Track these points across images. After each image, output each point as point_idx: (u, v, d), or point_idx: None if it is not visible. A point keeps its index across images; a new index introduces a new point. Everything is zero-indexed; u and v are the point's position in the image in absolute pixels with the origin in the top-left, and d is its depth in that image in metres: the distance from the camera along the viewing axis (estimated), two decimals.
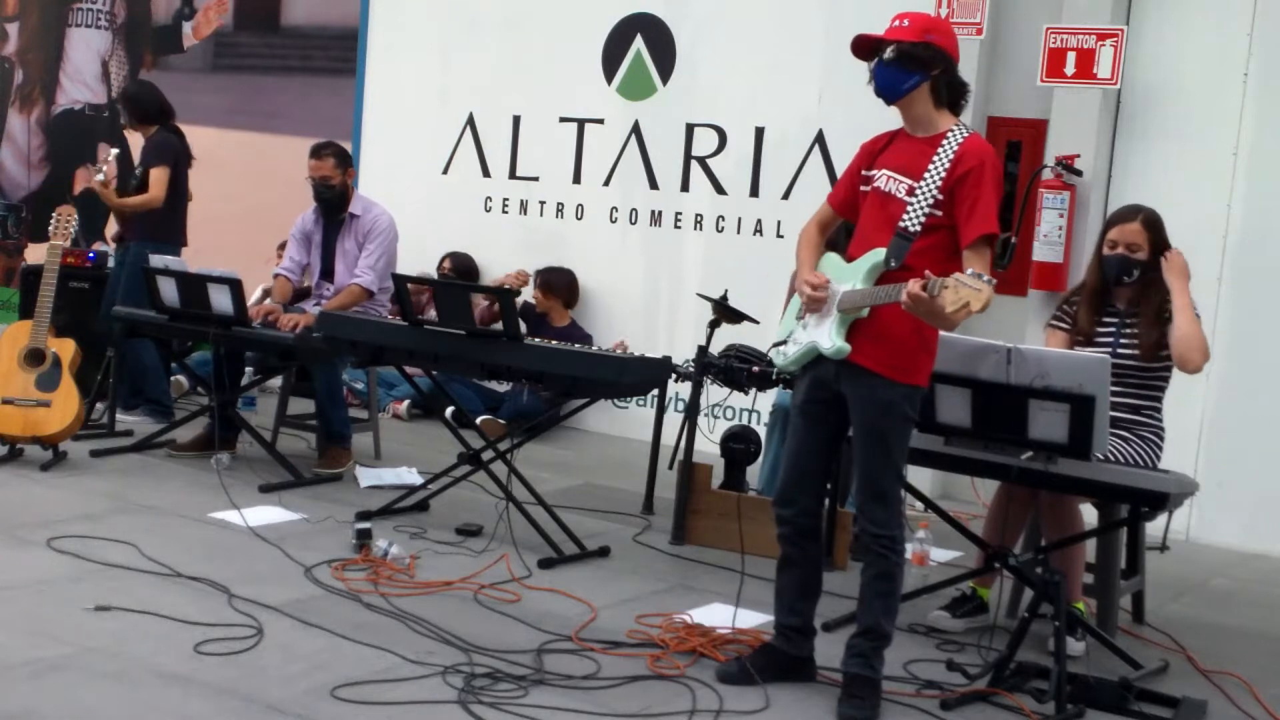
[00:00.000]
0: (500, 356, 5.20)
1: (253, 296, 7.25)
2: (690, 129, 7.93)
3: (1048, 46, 6.62)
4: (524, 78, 8.46)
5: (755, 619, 4.44)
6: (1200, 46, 6.55)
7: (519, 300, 7.60)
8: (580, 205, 8.31)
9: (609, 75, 8.17)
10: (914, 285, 3.45)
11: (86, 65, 10.56)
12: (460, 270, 8.30)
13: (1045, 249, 6.58)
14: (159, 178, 6.93)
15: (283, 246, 8.36)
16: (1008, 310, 6.49)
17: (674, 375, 5.59)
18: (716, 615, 4.48)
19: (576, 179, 8.32)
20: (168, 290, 6.12)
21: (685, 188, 7.96)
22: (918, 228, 3.67)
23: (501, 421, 7.47)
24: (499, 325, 5.49)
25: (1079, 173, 6.54)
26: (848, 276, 3.76)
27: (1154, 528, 4.99)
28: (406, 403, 8.06)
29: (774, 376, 5.57)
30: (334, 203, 6.41)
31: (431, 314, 6.25)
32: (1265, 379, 6.34)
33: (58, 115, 10.72)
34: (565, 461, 7.14)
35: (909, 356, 3.71)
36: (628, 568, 5.14)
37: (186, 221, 7.20)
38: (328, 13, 9.37)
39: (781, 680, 3.91)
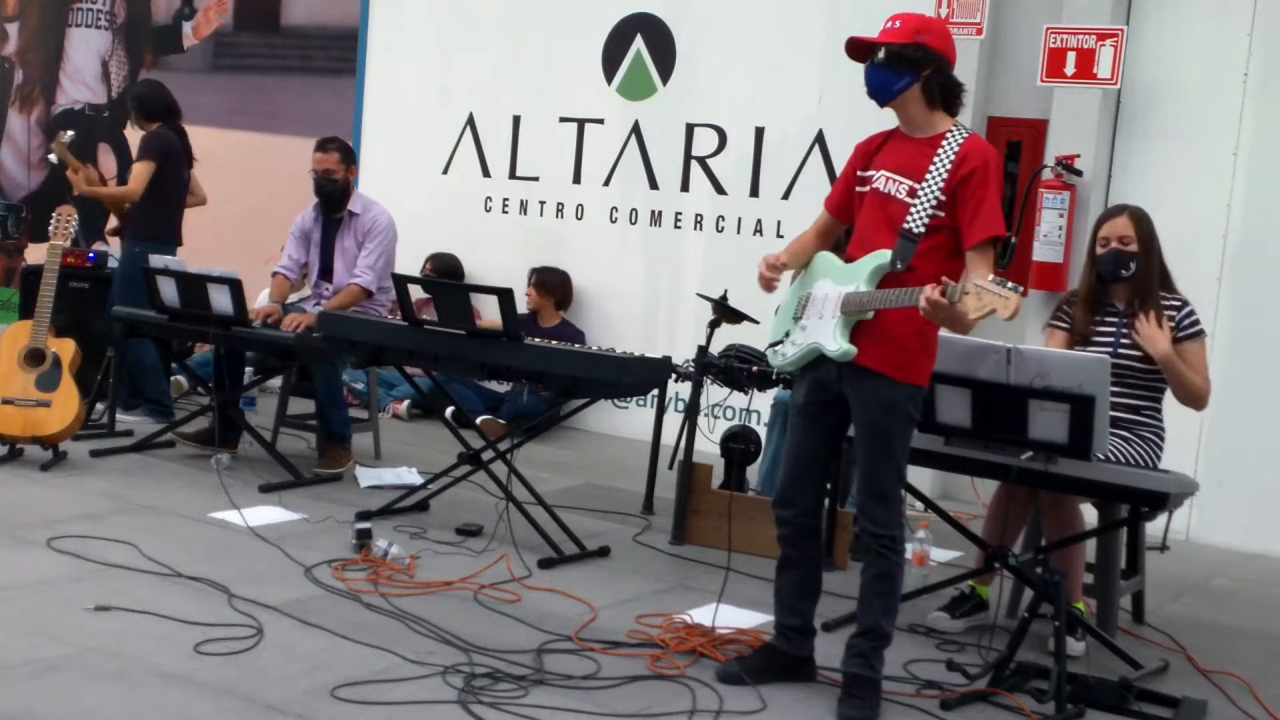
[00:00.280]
0: (500, 356, 5.20)
1: (259, 299, 7.25)
2: (690, 129, 7.93)
3: (1048, 46, 6.62)
4: (524, 78, 8.46)
5: (755, 619, 4.44)
6: (1200, 46, 6.55)
7: None
8: (580, 205, 8.31)
9: (609, 75, 8.18)
10: (933, 291, 3.44)
11: (86, 65, 10.56)
12: (443, 272, 8.27)
13: (1045, 249, 6.58)
14: (139, 172, 6.93)
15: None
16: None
17: (674, 375, 5.59)
18: (717, 616, 4.47)
19: (576, 179, 8.32)
20: (168, 290, 6.12)
21: (685, 188, 7.96)
22: (922, 229, 3.67)
23: (501, 421, 7.47)
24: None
25: (1079, 173, 6.55)
26: (849, 278, 3.75)
27: (1154, 528, 4.99)
28: (406, 403, 8.06)
29: (774, 376, 5.57)
30: (334, 197, 6.41)
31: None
32: (1265, 379, 6.34)
33: (58, 115, 10.72)
34: (565, 461, 7.14)
35: (911, 357, 3.71)
36: (628, 568, 5.14)
37: (180, 220, 7.19)
38: (328, 13, 9.38)
39: (781, 680, 3.91)
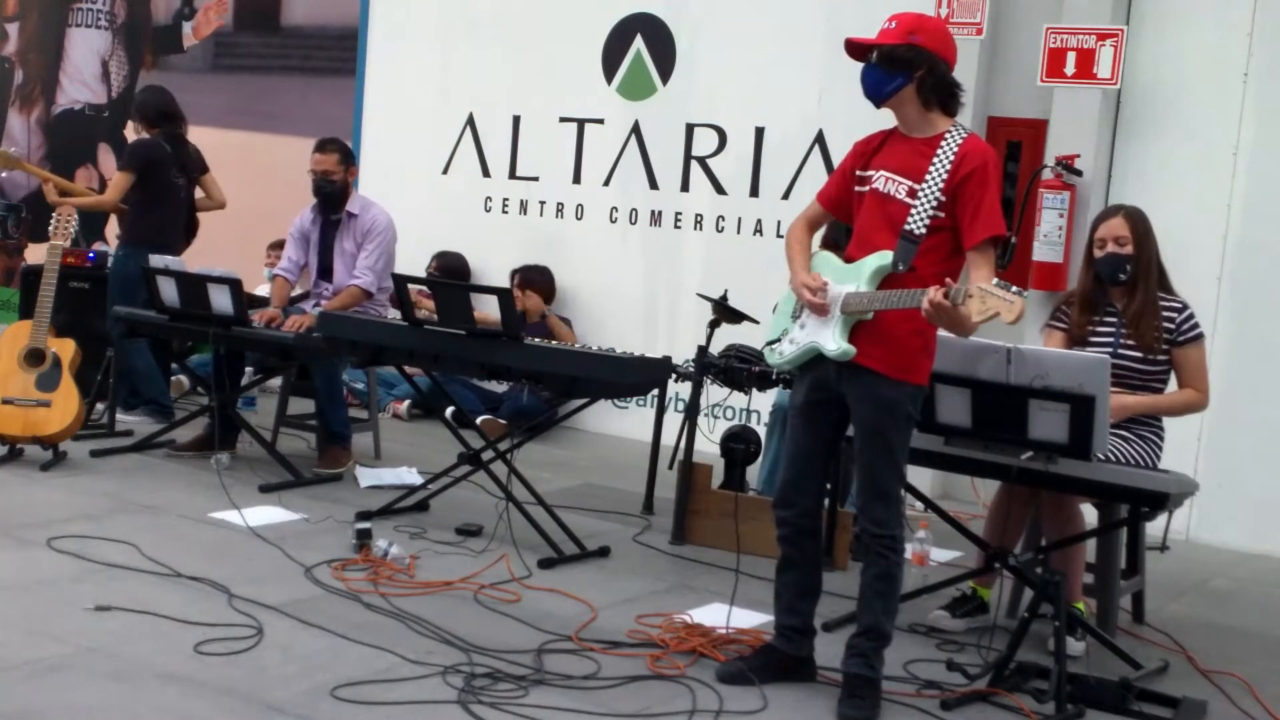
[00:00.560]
0: (500, 356, 5.20)
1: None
2: (690, 129, 7.93)
3: (1048, 46, 6.62)
4: (524, 78, 8.46)
5: (755, 619, 4.44)
6: (1200, 46, 6.55)
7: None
8: (580, 205, 8.31)
9: (609, 75, 8.18)
10: (936, 294, 3.44)
11: (86, 65, 10.56)
12: (448, 271, 8.28)
13: (1045, 249, 6.58)
14: (116, 181, 6.98)
15: (274, 247, 8.39)
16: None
17: (674, 375, 5.59)
18: (716, 615, 4.47)
19: (576, 179, 8.32)
20: (167, 290, 6.12)
21: (685, 188, 7.96)
22: (923, 230, 3.67)
23: (502, 421, 7.47)
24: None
25: (1079, 173, 6.54)
26: (849, 278, 3.75)
27: (1154, 528, 4.99)
28: (406, 403, 8.06)
29: (774, 376, 5.57)
30: (333, 199, 6.41)
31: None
32: (1265, 379, 6.34)
33: (58, 115, 10.72)
34: (565, 461, 7.14)
35: (910, 357, 3.71)
36: (628, 568, 5.14)
37: (176, 225, 7.15)
38: (328, 13, 9.37)
39: (781, 680, 3.91)
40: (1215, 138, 6.49)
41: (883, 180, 3.77)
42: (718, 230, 7.85)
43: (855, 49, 3.78)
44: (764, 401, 6.74)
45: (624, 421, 7.95)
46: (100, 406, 6.89)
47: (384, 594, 4.46)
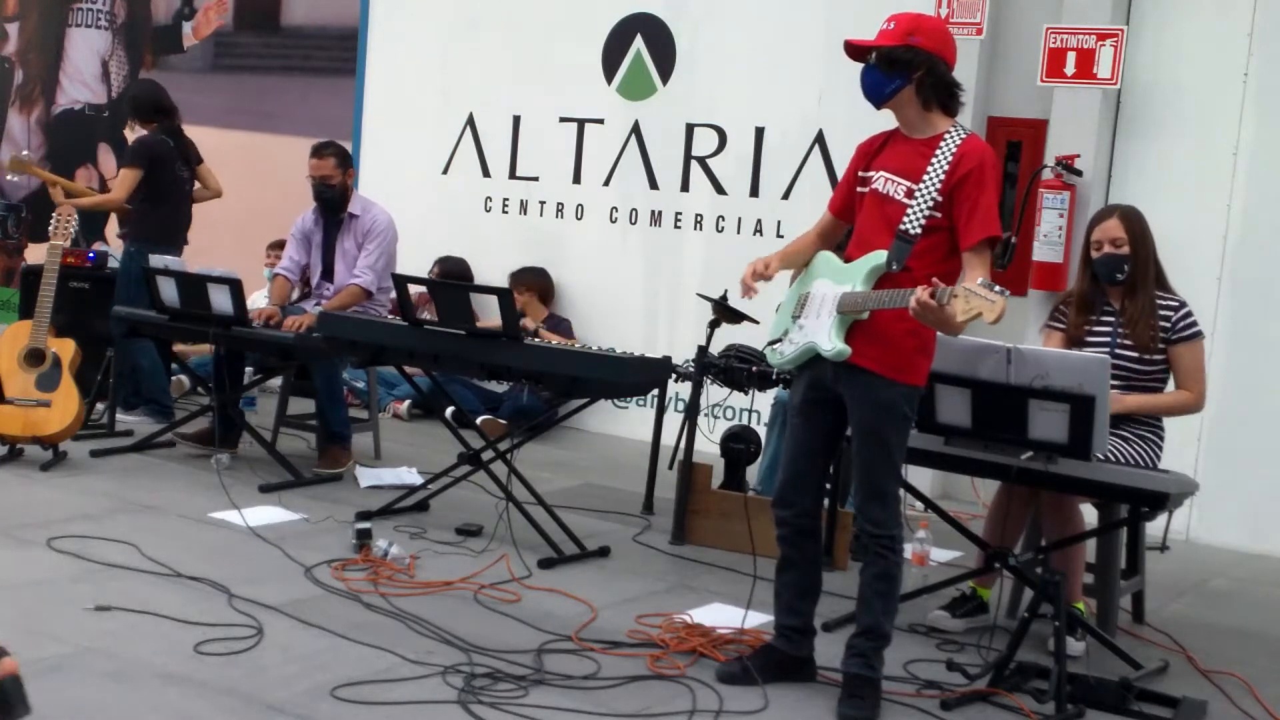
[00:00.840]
0: (500, 356, 5.21)
1: (253, 299, 7.26)
2: (690, 129, 7.93)
3: (1048, 46, 6.62)
4: (524, 78, 8.46)
5: (755, 619, 4.43)
6: (1200, 46, 6.54)
7: None
8: (580, 205, 8.31)
9: (609, 75, 8.17)
10: (923, 293, 3.44)
11: (86, 65, 10.56)
12: (451, 276, 8.26)
13: (1045, 249, 6.58)
14: (123, 179, 6.97)
15: (274, 247, 8.38)
16: (1007, 310, 6.47)
17: (674, 375, 5.59)
18: (717, 615, 4.48)
19: (576, 179, 8.32)
20: (168, 290, 6.12)
21: (685, 188, 7.96)
22: (918, 230, 3.67)
23: (502, 421, 7.47)
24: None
25: (1079, 173, 6.54)
26: (847, 277, 3.76)
27: (1154, 528, 4.99)
28: (406, 403, 8.06)
29: (774, 376, 5.57)
30: (334, 203, 6.42)
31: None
32: (1265, 378, 6.34)
33: (58, 115, 10.72)
34: (565, 461, 7.14)
35: (906, 357, 3.71)
36: (628, 568, 5.14)
37: (182, 221, 7.19)
38: (328, 13, 9.37)
39: (781, 680, 3.91)
40: (1215, 138, 6.49)
41: (882, 181, 3.77)
42: (718, 230, 7.85)
43: (855, 51, 3.78)
44: (764, 401, 6.74)
45: (624, 421, 7.95)
46: (100, 406, 6.89)
47: (384, 594, 4.46)
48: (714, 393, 6.20)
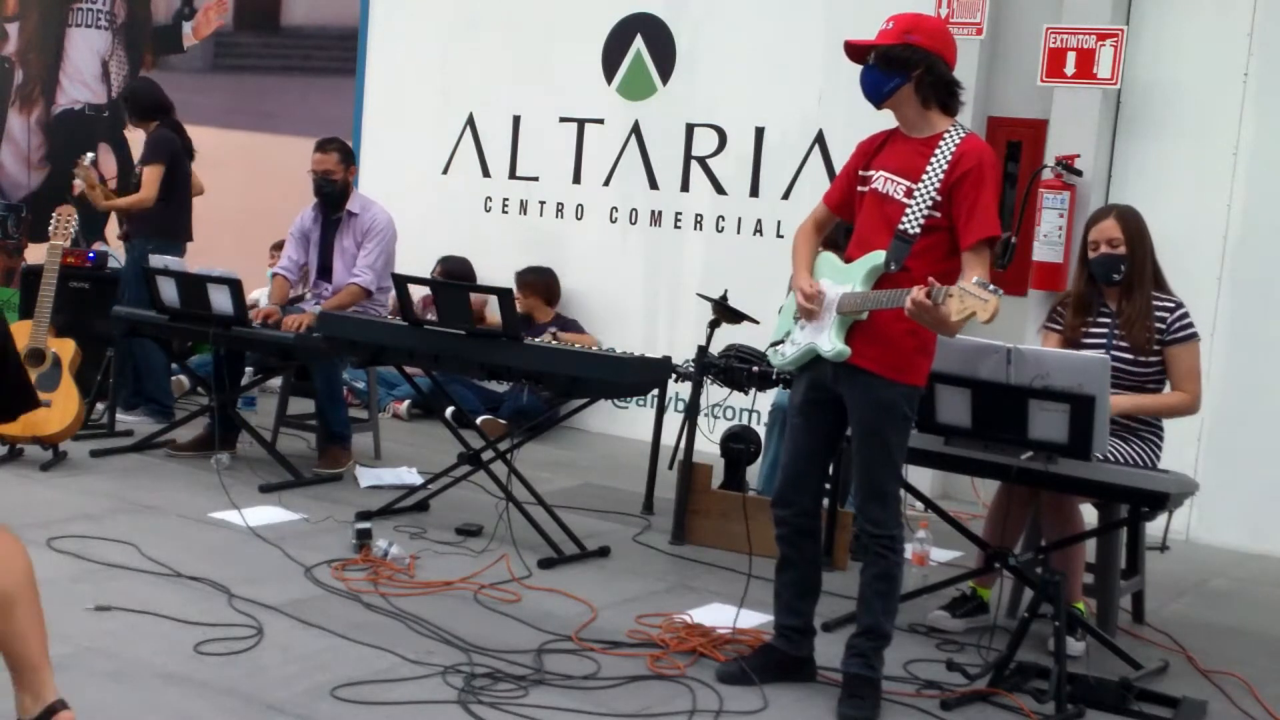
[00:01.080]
0: (500, 356, 5.20)
1: (252, 297, 7.26)
2: (690, 129, 7.93)
3: (1048, 46, 6.62)
4: (524, 78, 8.46)
5: (755, 619, 4.44)
6: (1200, 46, 6.55)
7: None
8: (580, 205, 8.31)
9: (609, 75, 8.18)
10: (918, 293, 3.44)
11: (86, 65, 10.56)
12: (453, 276, 8.25)
13: (1045, 249, 6.58)
14: (151, 176, 6.96)
15: (277, 247, 8.38)
16: (1007, 310, 6.41)
17: (674, 375, 5.59)
18: (716, 615, 4.48)
19: (576, 179, 8.32)
20: (168, 290, 6.12)
21: (685, 188, 7.96)
22: (917, 230, 3.67)
23: (502, 421, 7.47)
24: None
25: (1079, 173, 6.54)
26: (846, 278, 3.76)
27: (1154, 528, 4.99)
28: (406, 403, 8.06)
29: (774, 376, 5.57)
30: (333, 198, 6.42)
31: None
32: (1265, 378, 6.34)
33: (58, 115, 10.72)
34: (565, 461, 7.14)
35: (906, 357, 3.71)
36: (628, 568, 5.14)
37: (190, 218, 7.21)
38: (328, 13, 9.38)
39: (781, 680, 3.91)
40: (1215, 138, 6.49)
41: (882, 180, 3.77)
42: (718, 230, 7.85)
43: (854, 51, 3.78)
44: (764, 401, 6.74)
45: (624, 421, 7.95)
46: (100, 406, 6.89)
47: (384, 594, 4.46)
48: (714, 393, 6.20)
